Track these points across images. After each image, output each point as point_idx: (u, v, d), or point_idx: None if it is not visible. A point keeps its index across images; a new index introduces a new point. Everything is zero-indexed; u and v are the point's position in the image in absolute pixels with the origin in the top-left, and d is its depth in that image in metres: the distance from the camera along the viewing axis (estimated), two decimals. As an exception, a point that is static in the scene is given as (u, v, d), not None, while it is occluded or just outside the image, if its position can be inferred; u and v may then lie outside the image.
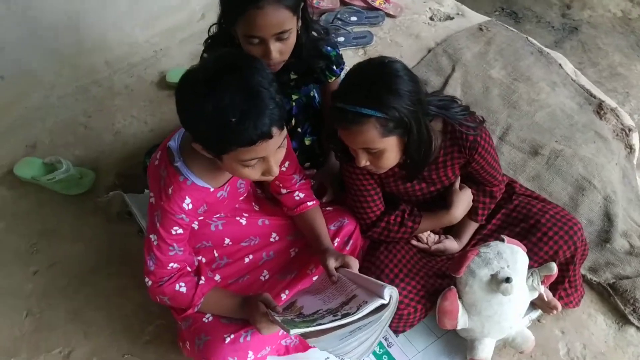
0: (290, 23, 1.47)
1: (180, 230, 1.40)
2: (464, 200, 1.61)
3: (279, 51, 1.51)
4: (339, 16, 2.46)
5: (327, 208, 1.68)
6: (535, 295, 1.55)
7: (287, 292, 1.53)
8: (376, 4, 2.52)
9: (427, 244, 1.65)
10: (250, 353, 1.42)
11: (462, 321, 1.50)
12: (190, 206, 1.38)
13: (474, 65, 2.31)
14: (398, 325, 1.57)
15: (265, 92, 1.20)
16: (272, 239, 1.66)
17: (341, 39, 2.38)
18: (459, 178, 1.63)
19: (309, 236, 1.58)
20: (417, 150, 1.41)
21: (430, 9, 2.59)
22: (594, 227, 1.86)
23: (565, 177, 1.97)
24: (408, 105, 1.32)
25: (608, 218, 1.88)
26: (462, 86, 2.25)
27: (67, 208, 1.94)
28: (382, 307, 1.26)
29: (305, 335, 1.24)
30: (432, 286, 1.57)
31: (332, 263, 1.42)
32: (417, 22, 2.52)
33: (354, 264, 1.43)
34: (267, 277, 1.60)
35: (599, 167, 1.98)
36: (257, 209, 1.68)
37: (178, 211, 1.37)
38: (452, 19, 2.54)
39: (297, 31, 1.56)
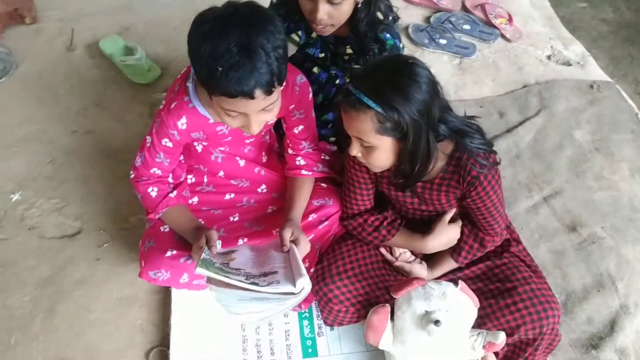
0: None
1: (169, 144, 1.48)
2: (445, 235, 1.53)
3: (328, 14, 1.51)
4: (452, 20, 2.37)
5: (322, 184, 1.68)
6: (475, 357, 1.45)
7: (245, 240, 1.58)
8: (497, 22, 2.39)
9: (395, 257, 1.59)
10: (185, 275, 1.50)
11: (386, 342, 1.45)
12: (184, 127, 1.46)
13: (562, 118, 2.13)
14: (328, 317, 1.56)
15: (261, 54, 1.21)
16: (259, 189, 1.71)
17: (443, 41, 2.30)
18: (454, 210, 1.55)
19: (287, 201, 1.61)
20: (409, 162, 1.36)
21: (552, 47, 2.40)
22: (591, 328, 1.68)
23: (591, 267, 1.78)
24: (413, 113, 1.26)
25: (612, 326, 1.68)
26: (537, 133, 2.09)
27: (125, 91, 2.12)
28: (290, 293, 1.27)
29: (209, 280, 1.28)
30: (374, 297, 1.52)
31: (288, 234, 1.44)
32: (529, 55, 2.35)
33: (303, 247, 1.44)
34: (236, 219, 1.65)
35: (635, 273, 1.77)
36: (264, 160, 1.73)
37: (172, 126, 1.45)
38: (569, 65, 2.34)
39: (357, 3, 1.55)
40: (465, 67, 2.28)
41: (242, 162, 1.67)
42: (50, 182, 1.90)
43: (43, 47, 2.25)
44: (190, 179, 1.68)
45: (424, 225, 1.58)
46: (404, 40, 2.29)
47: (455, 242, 1.56)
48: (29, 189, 1.87)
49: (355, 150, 1.37)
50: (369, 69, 1.34)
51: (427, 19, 2.42)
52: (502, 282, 1.52)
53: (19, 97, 2.10)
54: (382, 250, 1.61)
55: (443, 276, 1.61)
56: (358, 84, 1.29)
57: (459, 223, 1.56)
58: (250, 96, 1.23)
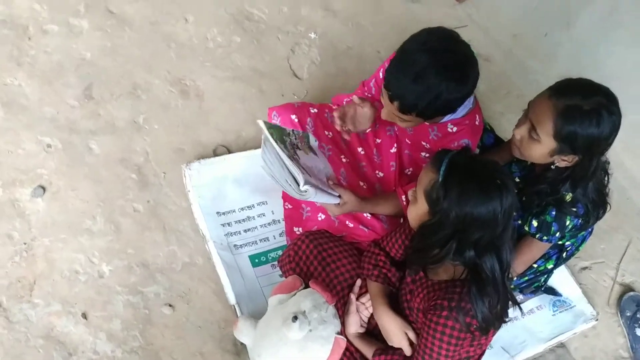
0: (543, 132, 1.47)
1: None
2: (393, 324, 1.50)
3: (521, 136, 1.54)
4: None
5: (401, 219, 1.77)
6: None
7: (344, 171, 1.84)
8: None
9: (357, 297, 1.62)
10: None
11: (271, 301, 1.56)
12: None
13: None
14: (282, 255, 1.73)
15: (424, 84, 1.41)
16: (376, 173, 1.90)
17: (639, 332, 1.99)
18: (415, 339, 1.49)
19: (374, 196, 1.80)
20: (420, 238, 1.39)
21: None
22: None
23: None
24: (452, 211, 1.28)
25: None
26: None
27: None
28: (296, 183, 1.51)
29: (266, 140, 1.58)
30: (311, 276, 1.63)
31: (346, 194, 1.62)
32: None
33: (334, 209, 1.64)
34: (345, 161, 1.88)
35: None
36: (408, 172, 1.89)
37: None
38: None
39: (553, 163, 1.54)
40: (624, 364, 1.96)
41: (393, 149, 1.87)
42: (333, 51, 2.39)
43: (441, 12, 2.70)
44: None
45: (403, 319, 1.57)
46: (614, 292, 2.10)
47: (389, 339, 1.51)
48: (321, 40, 2.41)
49: (410, 193, 1.43)
50: (473, 157, 1.41)
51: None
52: None
53: (394, 12, 2.61)
54: (358, 282, 1.65)
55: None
56: (454, 155, 1.33)
57: (408, 338, 1.50)
58: (391, 99, 1.48)
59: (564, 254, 1.81)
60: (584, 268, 2.12)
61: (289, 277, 1.58)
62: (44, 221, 1.73)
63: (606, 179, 1.63)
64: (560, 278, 2.00)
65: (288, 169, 1.53)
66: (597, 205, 1.61)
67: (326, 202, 1.62)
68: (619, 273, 2.15)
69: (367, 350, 1.54)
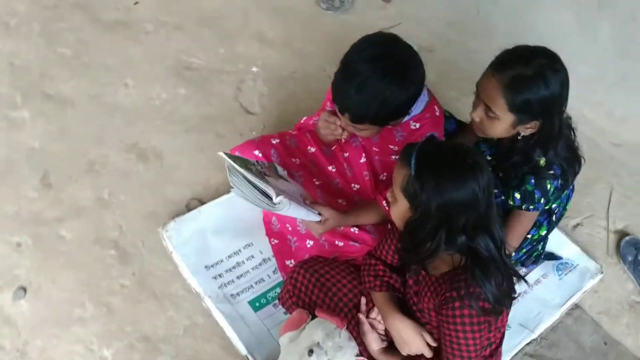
0: (498, 109, 1.49)
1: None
2: (407, 330, 1.47)
3: (480, 118, 1.56)
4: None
5: (389, 225, 1.75)
6: None
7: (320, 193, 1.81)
8: None
9: (367, 315, 1.59)
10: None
11: (283, 341, 1.51)
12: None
13: None
14: (281, 292, 1.68)
15: (369, 94, 1.44)
16: (352, 186, 1.87)
17: (645, 274, 2.00)
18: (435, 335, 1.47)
19: (356, 207, 1.77)
20: (409, 237, 1.37)
21: None
22: None
23: None
24: (432, 202, 1.26)
25: None
26: None
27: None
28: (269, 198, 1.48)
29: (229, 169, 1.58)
30: (316, 306, 1.57)
31: (326, 211, 1.61)
32: None
33: (316, 227, 1.62)
34: (317, 183, 1.85)
35: None
36: (382, 178, 1.88)
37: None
38: None
39: (519, 134, 1.55)
40: (637, 310, 1.95)
41: (363, 159, 1.85)
42: (278, 80, 2.39)
43: (372, 16, 2.76)
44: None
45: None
46: (611, 241, 2.11)
47: (407, 348, 1.48)
48: (264, 72, 2.41)
49: (388, 193, 1.41)
50: (440, 143, 1.40)
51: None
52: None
53: (325, 28, 2.65)
54: (363, 300, 1.62)
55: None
56: (422, 145, 1.31)
57: (426, 342, 1.47)
58: (341, 112, 1.51)
59: (554, 218, 1.82)
60: (576, 226, 2.13)
61: (294, 313, 1.53)
62: (32, 322, 1.66)
63: (572, 134, 1.65)
64: (557, 241, 2.00)
65: (257, 188, 1.50)
66: (571, 161, 1.63)
67: (307, 219, 1.59)
68: (610, 221, 2.17)
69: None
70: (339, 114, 1.56)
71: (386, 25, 2.71)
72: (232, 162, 1.52)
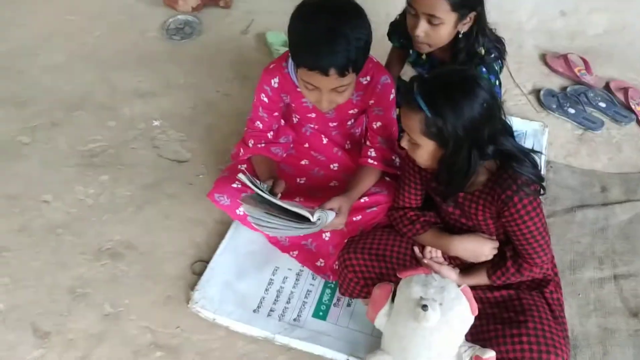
0: (442, 12, 1.59)
1: (265, 99, 1.76)
2: (472, 242, 1.56)
3: (425, 32, 1.65)
4: (589, 95, 2.35)
5: (386, 178, 1.81)
6: (459, 368, 1.45)
7: (301, 199, 1.77)
8: (637, 109, 2.31)
9: (424, 256, 1.64)
10: (242, 208, 1.73)
11: (381, 320, 1.51)
12: (276, 85, 1.73)
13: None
14: (342, 284, 1.67)
15: (342, 40, 1.44)
16: (331, 166, 1.90)
17: (572, 110, 2.30)
18: (495, 238, 1.57)
19: (351, 182, 1.77)
20: (447, 171, 1.43)
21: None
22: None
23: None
24: (458, 127, 1.32)
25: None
26: (636, 216, 1.97)
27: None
28: (308, 221, 1.48)
29: (245, 198, 1.56)
30: (387, 278, 1.58)
31: (335, 203, 1.62)
32: (658, 151, 2.24)
33: (339, 220, 1.61)
34: (302, 181, 1.87)
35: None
36: (346, 147, 1.93)
37: (267, 82, 1.73)
38: None
39: (459, 33, 1.68)
40: (585, 139, 2.25)
41: (325, 140, 1.90)
42: (185, 120, 2.30)
43: (224, 26, 2.73)
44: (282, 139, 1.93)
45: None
46: (532, 101, 2.37)
47: (483, 256, 1.57)
48: (167, 120, 2.29)
49: (404, 142, 1.47)
50: (434, 75, 1.42)
51: (564, 89, 2.43)
52: (517, 313, 1.50)
53: (191, 55, 2.59)
54: (415, 248, 1.67)
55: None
56: (419, 85, 1.37)
57: (495, 243, 1.58)
58: (325, 73, 1.47)
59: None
60: (502, 103, 2.36)
61: (374, 290, 1.53)
62: None
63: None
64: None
65: (290, 210, 1.49)
66: (498, 40, 1.80)
67: (328, 222, 1.58)
68: (521, 86, 2.45)
69: (479, 279, 1.58)
70: (320, 85, 1.53)
71: (242, 27, 2.72)
72: (253, 187, 1.50)
